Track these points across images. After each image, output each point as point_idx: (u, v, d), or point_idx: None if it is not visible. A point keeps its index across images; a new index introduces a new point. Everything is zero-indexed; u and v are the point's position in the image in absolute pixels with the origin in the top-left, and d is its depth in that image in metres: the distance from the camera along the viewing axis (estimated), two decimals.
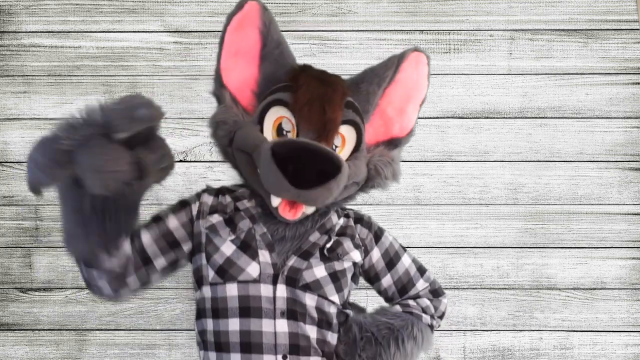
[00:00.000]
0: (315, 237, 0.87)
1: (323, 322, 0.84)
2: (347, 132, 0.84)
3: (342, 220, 0.93)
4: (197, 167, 1.46)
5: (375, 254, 0.93)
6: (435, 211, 1.47)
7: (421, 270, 0.97)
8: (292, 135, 0.81)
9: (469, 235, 1.46)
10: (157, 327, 1.46)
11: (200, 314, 0.86)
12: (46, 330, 1.46)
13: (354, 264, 0.90)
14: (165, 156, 0.65)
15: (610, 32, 1.46)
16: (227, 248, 0.82)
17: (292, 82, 0.82)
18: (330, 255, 0.86)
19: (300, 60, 1.44)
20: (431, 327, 0.94)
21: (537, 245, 1.46)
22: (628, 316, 1.46)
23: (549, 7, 1.46)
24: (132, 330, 1.46)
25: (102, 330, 1.46)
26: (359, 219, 0.96)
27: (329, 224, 0.89)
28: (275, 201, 0.81)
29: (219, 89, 0.87)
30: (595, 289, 1.46)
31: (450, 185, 1.47)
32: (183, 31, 1.46)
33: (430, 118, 1.46)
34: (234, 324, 0.80)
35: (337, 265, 0.86)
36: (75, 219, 0.69)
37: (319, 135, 0.79)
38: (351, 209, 0.98)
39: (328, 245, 0.86)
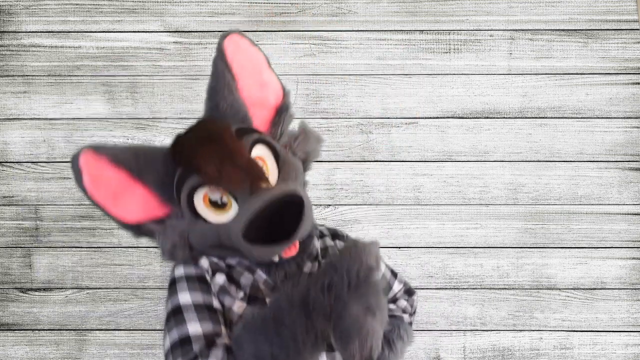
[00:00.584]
0: (308, 267, 0.87)
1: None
2: (261, 152, 0.81)
3: (319, 243, 0.93)
4: None
5: None
6: (435, 211, 1.47)
7: (394, 273, 1.02)
8: (227, 199, 0.78)
9: (469, 235, 1.46)
10: (157, 327, 1.46)
11: None
12: (46, 330, 1.46)
13: None
14: None
15: (610, 32, 1.46)
16: (239, 307, 0.81)
17: (184, 166, 0.78)
18: None
19: (300, 61, 1.45)
20: (410, 324, 1.02)
21: (537, 245, 1.46)
22: (628, 316, 1.46)
23: (549, 7, 1.46)
24: (132, 330, 1.46)
25: (102, 330, 1.46)
26: (335, 235, 0.96)
27: (314, 250, 0.89)
28: (275, 257, 0.81)
29: (137, 231, 0.84)
30: (595, 289, 1.46)
31: (450, 185, 1.47)
32: (183, 31, 1.46)
33: (430, 118, 1.47)
34: None
35: None
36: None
37: (252, 183, 0.76)
38: (322, 226, 0.99)
39: None
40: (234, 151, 0.76)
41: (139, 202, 0.83)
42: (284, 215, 0.73)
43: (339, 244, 0.94)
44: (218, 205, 0.78)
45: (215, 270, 0.83)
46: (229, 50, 0.87)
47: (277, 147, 0.83)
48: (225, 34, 0.86)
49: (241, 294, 0.82)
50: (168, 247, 0.80)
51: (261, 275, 0.84)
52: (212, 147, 0.76)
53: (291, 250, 0.81)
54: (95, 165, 0.80)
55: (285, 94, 0.92)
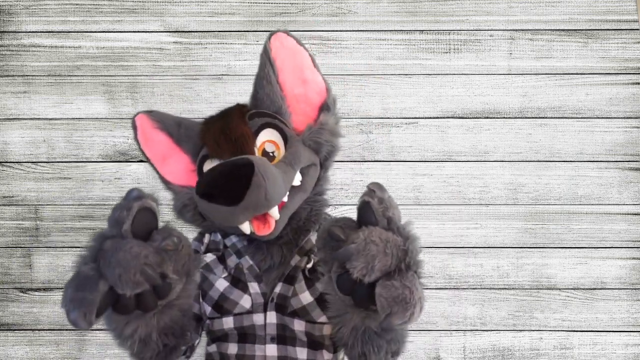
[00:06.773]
0: (295, 260, 0.90)
1: (314, 343, 0.87)
2: (271, 135, 0.86)
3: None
4: None
5: None
6: (435, 211, 1.47)
7: None
8: None
9: (469, 235, 1.46)
10: None
11: (208, 342, 0.93)
12: (46, 330, 1.46)
13: None
14: (176, 237, 0.63)
15: (610, 32, 1.46)
16: (221, 284, 0.89)
17: (200, 140, 0.89)
18: (311, 276, 0.88)
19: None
20: None
21: (537, 245, 1.46)
22: (628, 316, 1.46)
23: (549, 7, 1.46)
24: None
25: (102, 330, 1.46)
26: None
27: (309, 244, 0.92)
28: (245, 228, 0.81)
29: (174, 193, 0.94)
30: (595, 289, 1.46)
31: (450, 185, 1.47)
32: (183, 31, 1.46)
33: (430, 118, 1.47)
34: (233, 348, 0.87)
35: (320, 286, 0.86)
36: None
37: (235, 153, 0.80)
38: None
39: (309, 266, 0.89)
40: (231, 127, 0.84)
41: (182, 168, 0.94)
42: (235, 181, 0.73)
43: None
44: None
45: (209, 249, 0.93)
46: (274, 46, 0.92)
47: (287, 133, 0.87)
48: (272, 33, 0.92)
49: (226, 274, 0.90)
50: (179, 206, 0.91)
51: (247, 260, 0.90)
52: (218, 124, 0.86)
53: (265, 227, 0.81)
54: (147, 127, 0.94)
55: (329, 92, 0.94)
